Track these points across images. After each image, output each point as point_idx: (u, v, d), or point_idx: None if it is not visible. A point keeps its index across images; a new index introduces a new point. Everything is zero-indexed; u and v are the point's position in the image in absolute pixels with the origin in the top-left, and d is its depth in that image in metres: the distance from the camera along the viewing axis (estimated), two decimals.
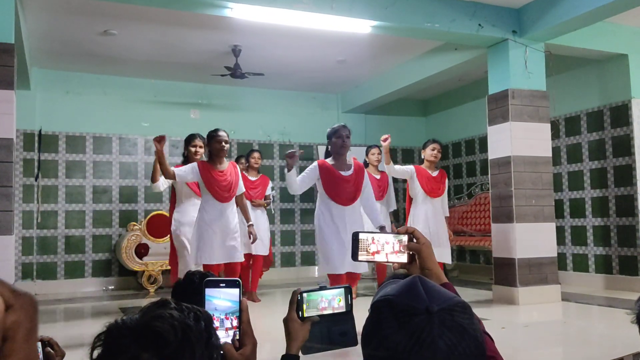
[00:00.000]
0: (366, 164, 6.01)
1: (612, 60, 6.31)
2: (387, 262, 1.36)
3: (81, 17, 5.62)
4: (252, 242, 4.88)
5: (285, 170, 4.10)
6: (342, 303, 1.26)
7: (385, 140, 4.98)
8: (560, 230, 6.80)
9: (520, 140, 5.63)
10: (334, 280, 4.11)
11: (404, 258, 1.33)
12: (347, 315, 1.26)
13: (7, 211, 4.10)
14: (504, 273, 5.62)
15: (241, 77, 6.79)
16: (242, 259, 4.67)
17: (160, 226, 7.08)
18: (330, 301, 1.26)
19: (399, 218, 7.80)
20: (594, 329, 4.70)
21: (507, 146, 5.64)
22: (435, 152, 5.37)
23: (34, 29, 5.86)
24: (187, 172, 4.49)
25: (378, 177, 5.99)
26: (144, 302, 6.31)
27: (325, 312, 1.25)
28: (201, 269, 4.49)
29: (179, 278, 2.11)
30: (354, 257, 1.34)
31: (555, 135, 6.78)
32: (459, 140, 8.69)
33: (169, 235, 5.11)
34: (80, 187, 7.41)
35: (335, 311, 1.25)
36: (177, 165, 5.06)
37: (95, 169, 7.50)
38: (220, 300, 1.20)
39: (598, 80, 6.56)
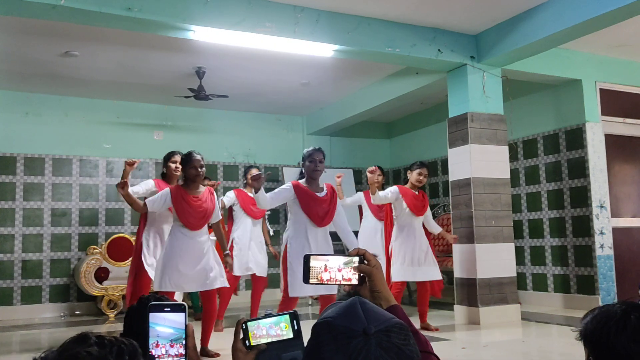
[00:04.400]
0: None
1: (566, 86, 6.54)
2: (338, 284, 1.37)
3: (42, 37, 5.56)
4: (228, 271, 4.75)
5: (253, 191, 4.12)
6: (289, 329, 1.25)
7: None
8: (520, 251, 6.95)
9: (479, 163, 5.76)
10: (289, 303, 4.06)
11: (354, 280, 1.34)
12: (295, 341, 1.25)
13: None
14: (465, 293, 5.69)
15: (205, 99, 6.79)
16: (222, 285, 4.39)
17: (121, 249, 6.95)
18: (275, 328, 1.25)
19: None
20: (552, 347, 4.79)
21: (466, 168, 5.77)
22: (421, 177, 5.40)
23: None
24: (157, 201, 4.26)
25: None
26: (103, 328, 6.17)
27: (272, 340, 1.25)
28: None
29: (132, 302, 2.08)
30: (306, 280, 1.35)
31: (513, 157, 6.96)
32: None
33: (132, 258, 4.92)
34: (38, 209, 7.24)
35: (282, 338, 1.25)
36: (156, 180, 4.97)
37: (54, 191, 7.35)
38: (163, 327, 1.19)
39: (553, 105, 6.78)
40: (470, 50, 5.82)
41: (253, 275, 5.71)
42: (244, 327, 1.23)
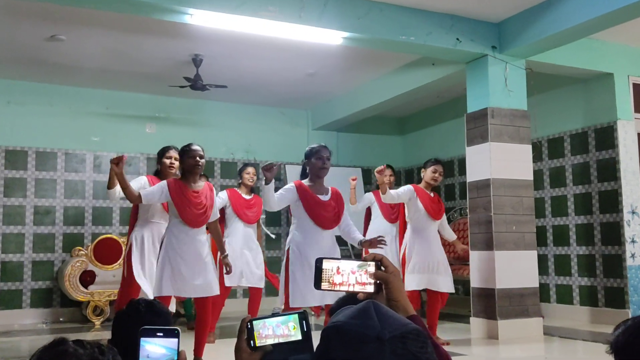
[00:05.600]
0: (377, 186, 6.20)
1: (596, 80, 6.50)
2: (352, 291, 1.36)
3: (26, 20, 5.56)
4: (227, 273, 4.73)
5: (262, 183, 4.05)
6: (297, 330, 1.25)
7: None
8: (543, 259, 6.91)
9: (500, 162, 5.73)
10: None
11: (370, 288, 1.33)
12: (304, 344, 1.25)
13: None
14: (483, 305, 5.66)
15: (202, 89, 6.79)
16: (216, 292, 4.38)
17: (108, 251, 6.96)
18: (283, 328, 1.25)
19: None
20: None
21: (486, 168, 5.74)
22: (436, 174, 5.40)
23: None
24: (155, 193, 4.22)
25: None
26: (88, 336, 6.16)
27: (279, 341, 1.24)
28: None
29: (122, 307, 2.06)
30: (317, 285, 1.34)
31: (537, 157, 6.92)
32: None
33: (122, 259, 4.88)
34: (19, 207, 7.25)
35: (290, 339, 1.24)
36: (148, 176, 4.91)
37: (38, 187, 7.36)
38: (155, 347, 1.20)
39: (582, 100, 6.75)
40: (491, 40, 5.79)
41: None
42: (249, 326, 1.23)
